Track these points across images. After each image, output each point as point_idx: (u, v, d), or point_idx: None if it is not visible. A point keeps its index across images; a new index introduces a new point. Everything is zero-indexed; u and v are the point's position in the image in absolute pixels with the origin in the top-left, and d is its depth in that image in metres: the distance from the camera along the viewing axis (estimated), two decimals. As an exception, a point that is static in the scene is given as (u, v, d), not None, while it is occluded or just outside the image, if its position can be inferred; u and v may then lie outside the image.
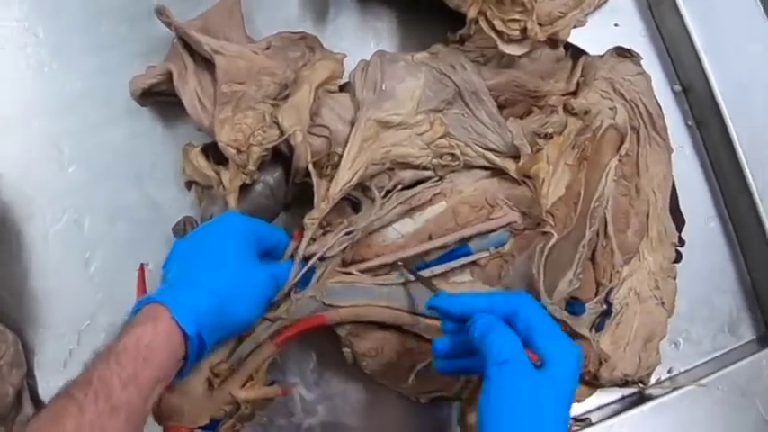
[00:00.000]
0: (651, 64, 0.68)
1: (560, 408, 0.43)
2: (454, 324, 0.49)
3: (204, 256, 0.48)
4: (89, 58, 0.65)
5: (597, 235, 0.60)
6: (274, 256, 0.55)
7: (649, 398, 0.63)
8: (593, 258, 0.60)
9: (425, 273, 0.56)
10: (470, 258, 0.57)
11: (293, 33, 0.63)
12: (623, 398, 0.65)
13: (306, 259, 0.53)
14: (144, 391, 0.41)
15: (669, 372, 0.66)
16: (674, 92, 0.68)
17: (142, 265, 0.51)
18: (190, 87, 0.59)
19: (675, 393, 0.63)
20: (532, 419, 0.42)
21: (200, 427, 0.49)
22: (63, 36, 0.65)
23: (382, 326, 0.56)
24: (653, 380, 0.65)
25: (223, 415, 0.50)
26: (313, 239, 0.54)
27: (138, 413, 0.41)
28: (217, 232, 0.50)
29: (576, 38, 0.66)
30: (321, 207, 0.54)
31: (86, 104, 0.65)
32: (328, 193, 0.55)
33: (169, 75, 0.60)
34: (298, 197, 0.60)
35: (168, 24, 0.60)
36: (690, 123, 0.68)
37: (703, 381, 0.63)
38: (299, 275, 0.53)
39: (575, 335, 0.57)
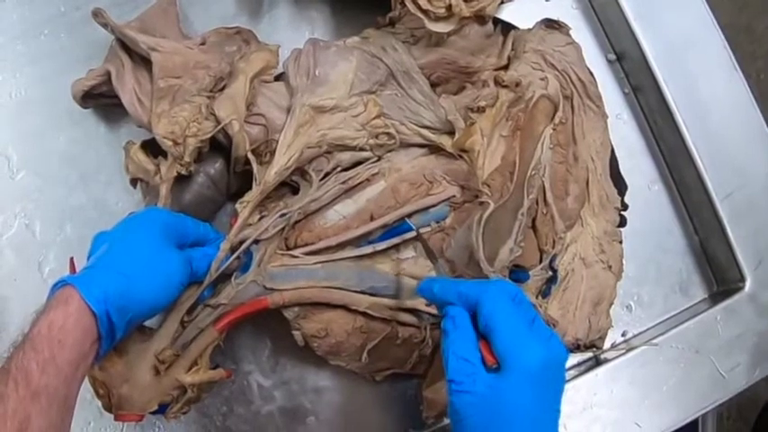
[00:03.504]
0: (584, 35, 0.69)
1: (529, 412, 0.40)
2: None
3: (118, 243, 0.49)
4: (32, 67, 0.66)
5: (536, 203, 0.60)
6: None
7: (604, 361, 0.64)
8: (534, 226, 0.61)
9: (368, 249, 0.57)
10: (413, 234, 0.58)
11: (229, 29, 0.64)
12: (579, 364, 0.66)
13: (241, 243, 0.54)
14: (63, 373, 0.42)
15: (623, 335, 0.67)
16: (608, 61, 0.69)
17: (72, 258, 0.52)
18: (128, 86, 0.60)
19: (630, 354, 0.63)
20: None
21: (150, 413, 0.51)
22: (5, 46, 0.66)
23: (329, 306, 0.57)
24: (607, 344, 0.66)
25: (171, 399, 0.51)
26: (250, 224, 0.55)
27: (61, 396, 0.42)
28: (134, 222, 0.51)
29: (508, 14, 0.67)
30: (254, 191, 0.55)
31: (32, 112, 0.66)
32: (264, 178, 0.56)
33: (108, 75, 0.61)
34: (242, 187, 0.61)
35: (105, 25, 0.61)
36: (626, 91, 0.69)
37: (657, 340, 0.64)
38: (231, 259, 0.54)
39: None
